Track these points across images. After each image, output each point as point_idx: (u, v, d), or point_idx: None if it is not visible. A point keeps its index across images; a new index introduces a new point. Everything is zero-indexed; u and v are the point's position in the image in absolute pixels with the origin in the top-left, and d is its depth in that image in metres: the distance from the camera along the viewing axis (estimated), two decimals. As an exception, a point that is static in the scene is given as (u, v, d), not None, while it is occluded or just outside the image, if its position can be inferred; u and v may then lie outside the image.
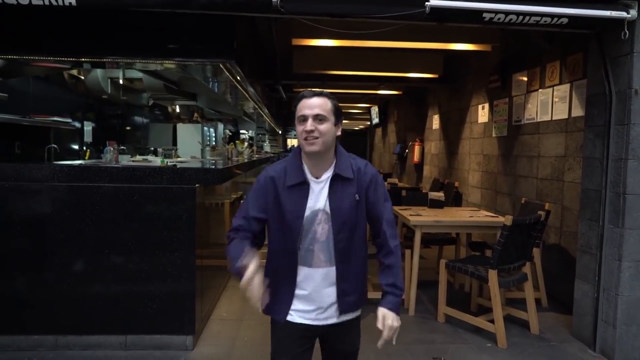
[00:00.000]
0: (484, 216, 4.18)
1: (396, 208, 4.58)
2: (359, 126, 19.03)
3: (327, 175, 1.66)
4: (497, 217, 4.17)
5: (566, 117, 4.27)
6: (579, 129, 4.05)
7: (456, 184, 5.92)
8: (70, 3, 2.63)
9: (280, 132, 17.76)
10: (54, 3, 2.63)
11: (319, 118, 1.60)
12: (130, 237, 3.09)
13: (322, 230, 1.65)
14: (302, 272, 1.68)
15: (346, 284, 1.68)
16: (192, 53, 3.54)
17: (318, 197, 1.65)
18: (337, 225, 1.64)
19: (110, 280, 3.09)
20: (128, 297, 3.10)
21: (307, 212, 1.64)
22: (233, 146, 6.62)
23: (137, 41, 3.51)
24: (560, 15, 2.87)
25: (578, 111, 4.08)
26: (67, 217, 3.07)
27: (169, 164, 4.15)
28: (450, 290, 4.53)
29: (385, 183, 6.54)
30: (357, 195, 1.66)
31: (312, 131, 1.59)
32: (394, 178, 8.30)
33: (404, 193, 5.21)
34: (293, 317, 1.72)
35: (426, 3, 2.75)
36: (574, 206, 4.05)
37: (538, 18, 2.87)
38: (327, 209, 1.64)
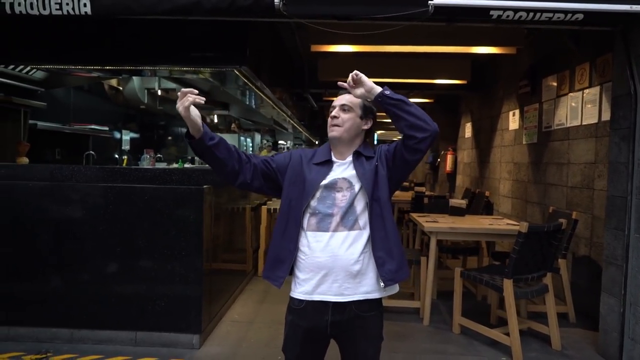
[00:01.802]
0: (504, 224, 4.00)
1: (415, 215, 4.48)
2: (396, 137, 18.86)
3: (351, 157, 1.76)
4: (518, 225, 3.97)
5: (596, 121, 4.04)
6: (609, 134, 3.79)
7: (487, 193, 5.70)
8: (85, 12, 2.79)
9: (317, 142, 17.86)
10: (72, 13, 2.80)
11: (344, 108, 1.75)
12: (141, 236, 3.18)
13: (342, 197, 1.68)
14: (319, 237, 1.66)
15: (379, 251, 1.67)
16: (206, 60, 3.67)
17: (340, 171, 1.73)
18: (363, 190, 1.69)
19: (121, 278, 3.20)
20: (138, 295, 3.18)
21: (326, 181, 1.70)
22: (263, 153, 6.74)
23: (153, 49, 3.67)
24: (574, 11, 2.72)
25: (608, 115, 3.83)
26: (84, 217, 3.20)
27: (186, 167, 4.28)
28: (472, 302, 4.36)
29: (412, 192, 6.44)
30: (377, 162, 1.73)
31: (335, 117, 1.74)
32: (423, 187, 8.08)
33: (425, 200, 5.08)
34: (307, 293, 1.68)
35: (429, 2, 2.70)
36: (604, 215, 3.79)
37: (550, 14, 2.74)
38: (349, 177, 1.71)
